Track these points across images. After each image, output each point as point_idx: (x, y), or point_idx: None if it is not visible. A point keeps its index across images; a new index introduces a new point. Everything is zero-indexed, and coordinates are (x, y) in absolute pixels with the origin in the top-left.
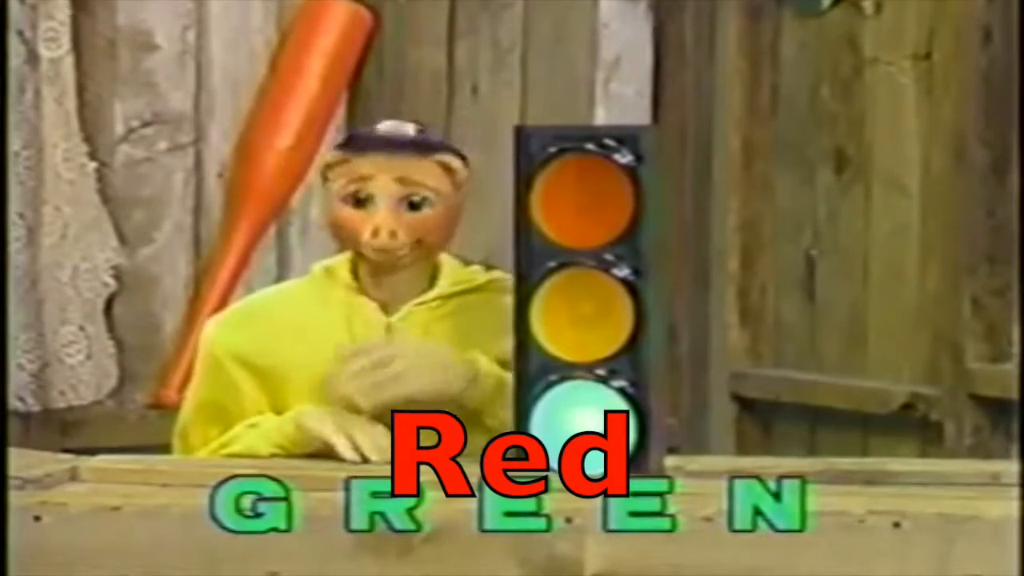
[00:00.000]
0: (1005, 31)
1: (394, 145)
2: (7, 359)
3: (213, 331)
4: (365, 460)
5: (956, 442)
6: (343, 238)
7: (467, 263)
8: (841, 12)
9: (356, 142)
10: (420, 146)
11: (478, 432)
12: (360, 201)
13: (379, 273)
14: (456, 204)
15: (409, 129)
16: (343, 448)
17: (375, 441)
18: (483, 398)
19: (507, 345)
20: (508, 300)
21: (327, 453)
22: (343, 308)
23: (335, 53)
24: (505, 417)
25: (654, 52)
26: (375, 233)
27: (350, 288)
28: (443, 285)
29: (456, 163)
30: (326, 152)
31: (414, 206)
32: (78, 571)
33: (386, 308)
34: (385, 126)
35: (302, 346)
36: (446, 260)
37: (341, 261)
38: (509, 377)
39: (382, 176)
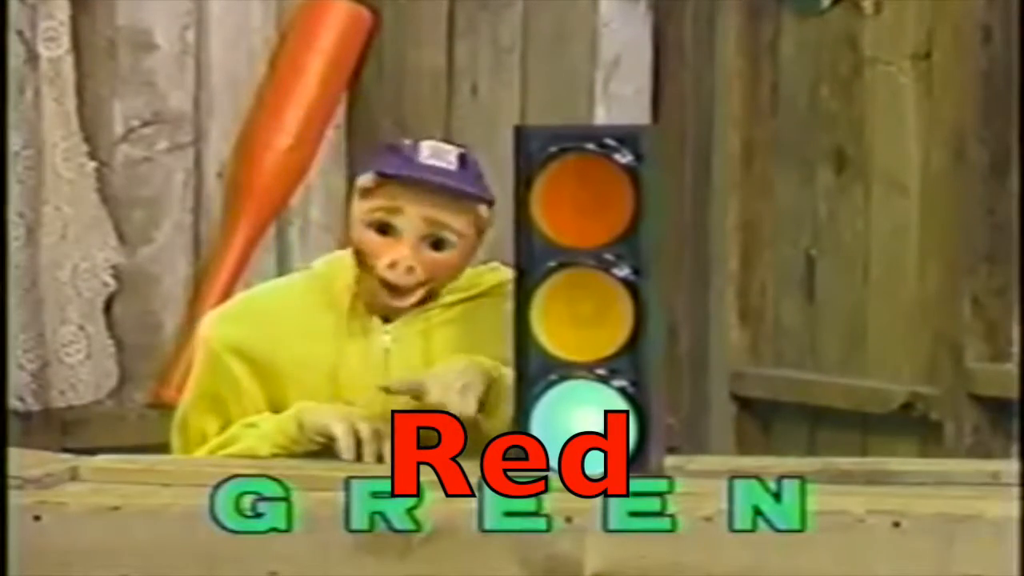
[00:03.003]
0: (1005, 31)
1: (432, 183)
2: (7, 360)
3: (213, 325)
4: (360, 459)
5: (956, 441)
6: (360, 260)
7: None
8: (841, 12)
9: (393, 166)
10: (457, 191)
11: (475, 433)
12: (383, 230)
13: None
14: (474, 247)
15: (452, 157)
16: (344, 447)
17: (378, 446)
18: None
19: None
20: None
21: (328, 451)
22: (343, 309)
23: (335, 53)
24: (505, 415)
25: (654, 52)
26: (392, 265)
27: (351, 290)
28: (445, 294)
29: (486, 213)
30: (361, 178)
31: (436, 246)
32: (78, 570)
33: (385, 314)
34: (427, 150)
35: (301, 344)
36: None
37: (344, 259)
38: (509, 374)
39: (411, 211)
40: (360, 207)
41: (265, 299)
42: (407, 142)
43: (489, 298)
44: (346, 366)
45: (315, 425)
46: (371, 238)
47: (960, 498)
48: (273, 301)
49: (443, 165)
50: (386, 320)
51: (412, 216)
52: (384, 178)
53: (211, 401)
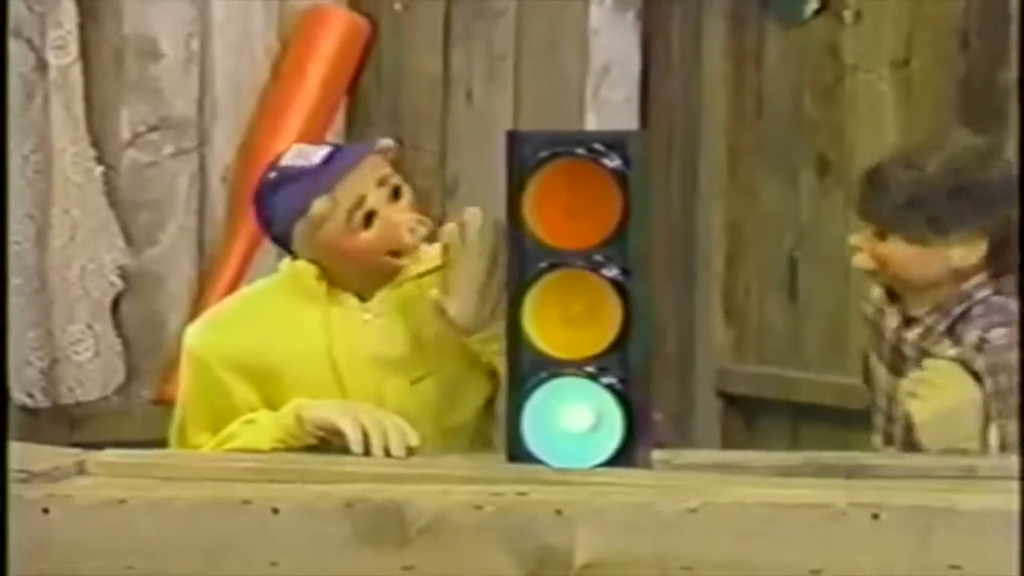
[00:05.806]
0: (982, 37)
1: (355, 159)
2: (7, 359)
3: (197, 336)
4: (367, 453)
5: None
6: (367, 262)
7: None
8: (822, 21)
9: (321, 178)
10: (365, 150)
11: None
12: (368, 221)
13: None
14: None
15: (319, 151)
16: (353, 439)
17: (383, 438)
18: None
19: None
20: None
21: (325, 444)
22: (321, 301)
23: (334, 61)
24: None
25: (642, 60)
26: (412, 231)
27: (322, 282)
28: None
29: (389, 142)
30: (314, 205)
31: (396, 194)
32: (84, 562)
33: (360, 295)
34: (300, 156)
35: (289, 342)
36: None
37: (303, 262)
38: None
39: (371, 188)
40: (331, 227)
41: (244, 304)
42: (278, 167)
43: None
44: (337, 348)
45: (315, 419)
46: (365, 235)
47: (936, 491)
48: (252, 305)
49: (322, 153)
50: (362, 300)
51: (372, 192)
52: (329, 193)
53: (205, 414)
